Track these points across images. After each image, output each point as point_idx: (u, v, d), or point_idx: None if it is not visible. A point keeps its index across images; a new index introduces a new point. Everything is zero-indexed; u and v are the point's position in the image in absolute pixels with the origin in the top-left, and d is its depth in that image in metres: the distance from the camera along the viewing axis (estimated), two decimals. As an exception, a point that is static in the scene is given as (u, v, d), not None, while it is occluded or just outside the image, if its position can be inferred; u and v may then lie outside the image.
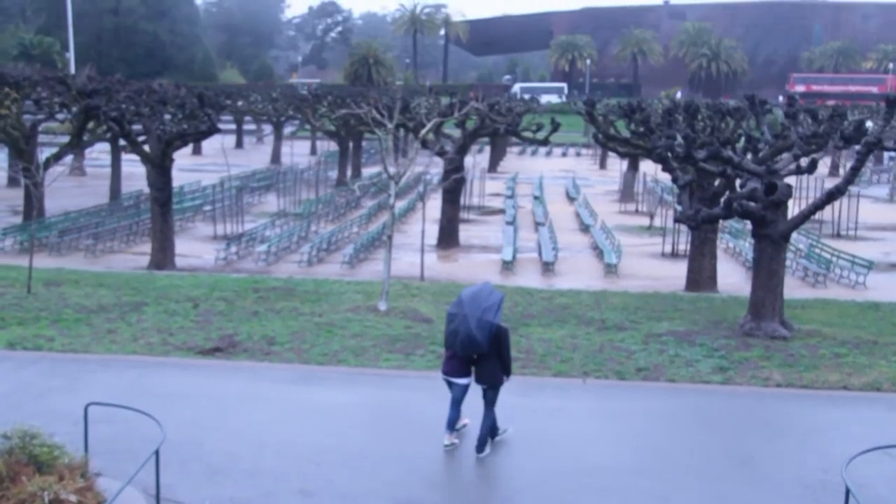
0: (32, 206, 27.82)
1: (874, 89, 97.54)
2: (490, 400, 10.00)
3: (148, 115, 26.13)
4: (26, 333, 14.72)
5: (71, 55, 74.12)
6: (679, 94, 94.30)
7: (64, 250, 26.71)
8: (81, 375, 12.56)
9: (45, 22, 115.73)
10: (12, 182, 38.77)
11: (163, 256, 23.82)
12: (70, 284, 18.97)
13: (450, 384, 10.05)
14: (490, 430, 10.06)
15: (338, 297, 18.32)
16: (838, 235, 32.54)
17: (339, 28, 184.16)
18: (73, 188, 40.23)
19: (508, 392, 10.51)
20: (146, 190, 27.67)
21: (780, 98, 72.85)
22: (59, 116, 36.04)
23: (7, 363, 13.17)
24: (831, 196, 16.18)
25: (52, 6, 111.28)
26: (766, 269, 16.19)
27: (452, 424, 10.12)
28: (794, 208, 17.40)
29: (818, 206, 16.50)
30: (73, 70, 66.90)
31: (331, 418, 11.08)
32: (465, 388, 10.00)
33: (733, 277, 24.67)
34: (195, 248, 28.12)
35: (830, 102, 63.60)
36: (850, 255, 24.74)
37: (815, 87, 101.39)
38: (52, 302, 17.10)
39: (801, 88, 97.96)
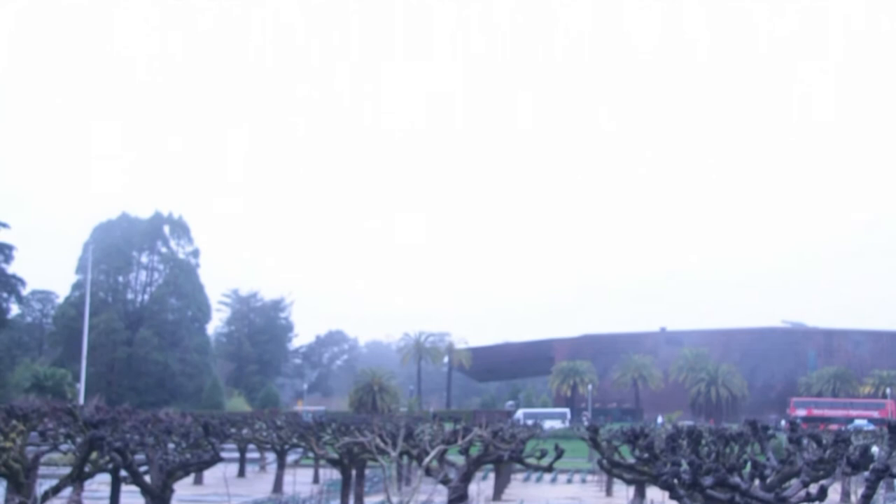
0: (22, 541, 26.95)
1: (875, 413, 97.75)
2: None
3: (152, 444, 26.17)
4: None
5: (81, 386, 75.64)
6: (660, 420, 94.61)
7: (51, 588, 25.47)
8: None
9: (61, 354, 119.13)
10: (5, 517, 37.79)
11: None
12: None
13: None
14: None
15: None
16: (861, 566, 31.06)
17: (345, 356, 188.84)
18: (67, 521, 39.05)
19: None
20: (143, 522, 26.94)
21: (783, 423, 72.93)
22: (63, 447, 35.98)
23: None
24: (845, 524, 15.84)
25: (68, 339, 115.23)
26: None
27: None
28: (808, 537, 16.89)
29: (832, 534, 16.09)
30: (82, 400, 67.82)
31: None
32: None
33: None
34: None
35: (832, 427, 63.55)
36: (875, 588, 23.56)
37: (815, 412, 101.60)
38: None
39: (802, 413, 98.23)
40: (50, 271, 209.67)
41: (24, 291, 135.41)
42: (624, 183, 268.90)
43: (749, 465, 20.40)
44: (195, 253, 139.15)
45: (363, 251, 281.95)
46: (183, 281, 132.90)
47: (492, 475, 60.69)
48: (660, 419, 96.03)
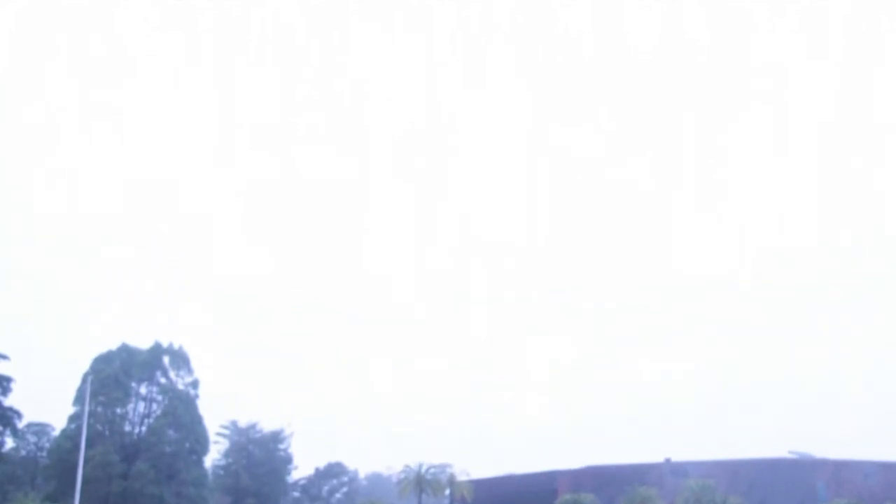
0: None
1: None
2: None
3: None
4: None
5: (74, 524, 74.29)
6: None
7: None
8: None
9: (55, 488, 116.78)
10: None
11: None
12: None
13: None
14: None
15: None
16: None
17: (345, 489, 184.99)
18: None
19: None
20: None
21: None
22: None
23: None
24: None
25: (63, 473, 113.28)
26: None
27: None
28: None
29: None
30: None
31: None
32: None
33: None
34: None
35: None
36: None
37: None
38: None
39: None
40: (47, 402, 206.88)
41: (21, 424, 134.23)
42: (626, 297, 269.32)
43: None
44: (195, 384, 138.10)
45: (363, 380, 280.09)
46: (182, 412, 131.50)
47: None
48: None
